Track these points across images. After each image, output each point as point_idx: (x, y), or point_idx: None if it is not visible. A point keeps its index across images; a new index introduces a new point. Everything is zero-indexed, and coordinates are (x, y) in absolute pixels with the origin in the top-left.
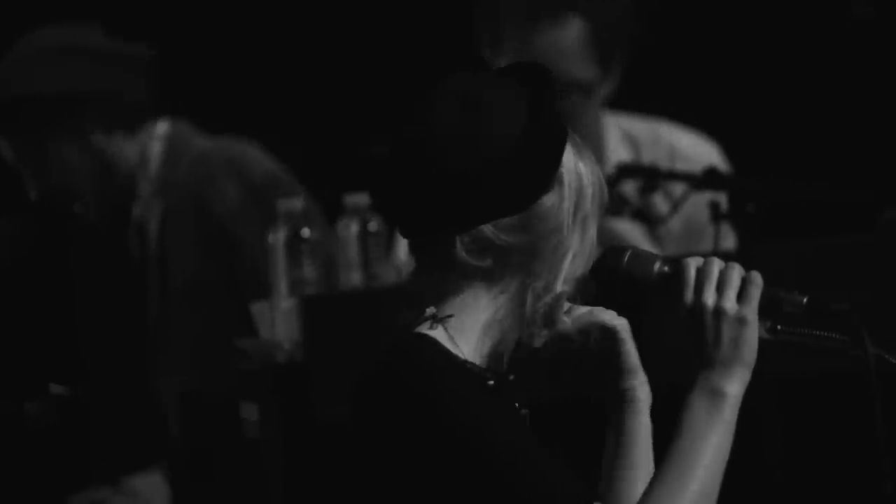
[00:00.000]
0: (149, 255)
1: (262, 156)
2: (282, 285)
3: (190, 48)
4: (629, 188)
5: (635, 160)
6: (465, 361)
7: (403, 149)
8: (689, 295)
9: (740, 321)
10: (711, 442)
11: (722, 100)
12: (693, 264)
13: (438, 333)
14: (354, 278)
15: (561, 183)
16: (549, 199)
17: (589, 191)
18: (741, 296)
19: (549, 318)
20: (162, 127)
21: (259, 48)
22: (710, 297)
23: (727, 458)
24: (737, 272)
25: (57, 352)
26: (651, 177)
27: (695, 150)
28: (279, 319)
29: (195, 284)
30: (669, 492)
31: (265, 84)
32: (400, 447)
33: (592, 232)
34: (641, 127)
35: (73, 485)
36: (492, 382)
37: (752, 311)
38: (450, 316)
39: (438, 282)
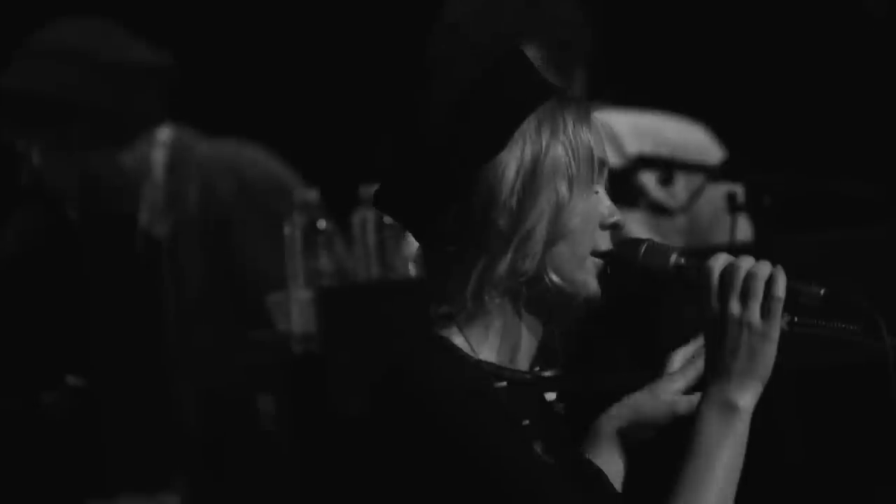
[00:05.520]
0: (161, 266)
1: (262, 157)
2: (298, 277)
3: (199, 47)
4: (647, 180)
5: (617, 154)
6: (479, 361)
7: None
8: (712, 301)
9: (763, 335)
10: (723, 461)
11: (732, 95)
12: (717, 268)
13: (453, 332)
14: (370, 270)
15: (511, 151)
16: (492, 169)
17: (552, 164)
18: (765, 309)
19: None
20: (164, 133)
21: (272, 42)
22: (734, 308)
23: (739, 473)
24: (760, 281)
25: (70, 344)
26: (668, 168)
27: (682, 136)
28: (295, 311)
29: (207, 291)
30: None
31: (280, 77)
32: (400, 448)
33: (574, 217)
34: (622, 120)
35: (89, 478)
36: (504, 383)
37: (775, 328)
38: (460, 315)
39: (447, 281)
